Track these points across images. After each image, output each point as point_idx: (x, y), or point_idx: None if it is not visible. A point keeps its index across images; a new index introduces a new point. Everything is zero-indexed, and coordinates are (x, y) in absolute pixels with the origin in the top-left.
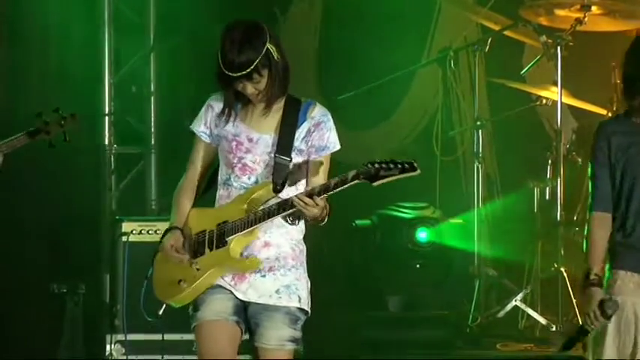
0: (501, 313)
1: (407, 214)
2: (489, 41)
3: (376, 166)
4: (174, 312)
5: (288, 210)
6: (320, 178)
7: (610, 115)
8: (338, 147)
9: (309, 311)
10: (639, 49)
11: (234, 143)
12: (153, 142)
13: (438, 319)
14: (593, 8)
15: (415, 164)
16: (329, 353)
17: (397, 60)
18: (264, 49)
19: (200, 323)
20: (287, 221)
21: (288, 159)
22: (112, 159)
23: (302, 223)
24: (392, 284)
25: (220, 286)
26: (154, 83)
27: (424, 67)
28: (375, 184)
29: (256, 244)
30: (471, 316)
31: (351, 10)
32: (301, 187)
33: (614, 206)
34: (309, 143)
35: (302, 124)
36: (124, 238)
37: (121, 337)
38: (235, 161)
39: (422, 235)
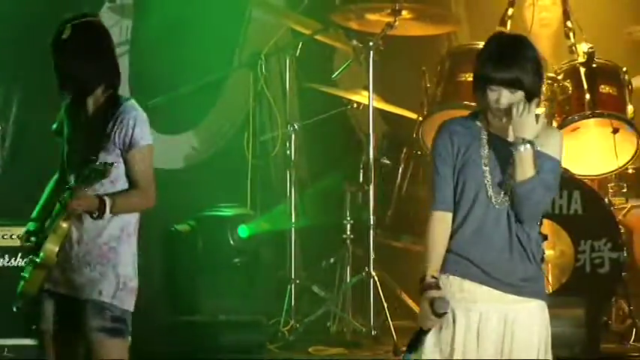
0: (313, 318)
1: (226, 212)
2: (300, 46)
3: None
4: None
5: None
6: (134, 174)
7: (420, 119)
8: (147, 142)
9: (123, 307)
10: (487, 46)
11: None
12: None
13: (250, 323)
14: (404, 13)
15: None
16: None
17: (209, 64)
18: None
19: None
20: (92, 217)
21: (94, 157)
22: None
23: (120, 220)
24: (208, 287)
25: (45, 290)
26: None
27: (236, 72)
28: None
29: (71, 239)
30: (282, 320)
31: (161, 14)
32: (119, 185)
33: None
34: (117, 141)
35: (109, 122)
36: None
37: None
38: None
39: (242, 231)
